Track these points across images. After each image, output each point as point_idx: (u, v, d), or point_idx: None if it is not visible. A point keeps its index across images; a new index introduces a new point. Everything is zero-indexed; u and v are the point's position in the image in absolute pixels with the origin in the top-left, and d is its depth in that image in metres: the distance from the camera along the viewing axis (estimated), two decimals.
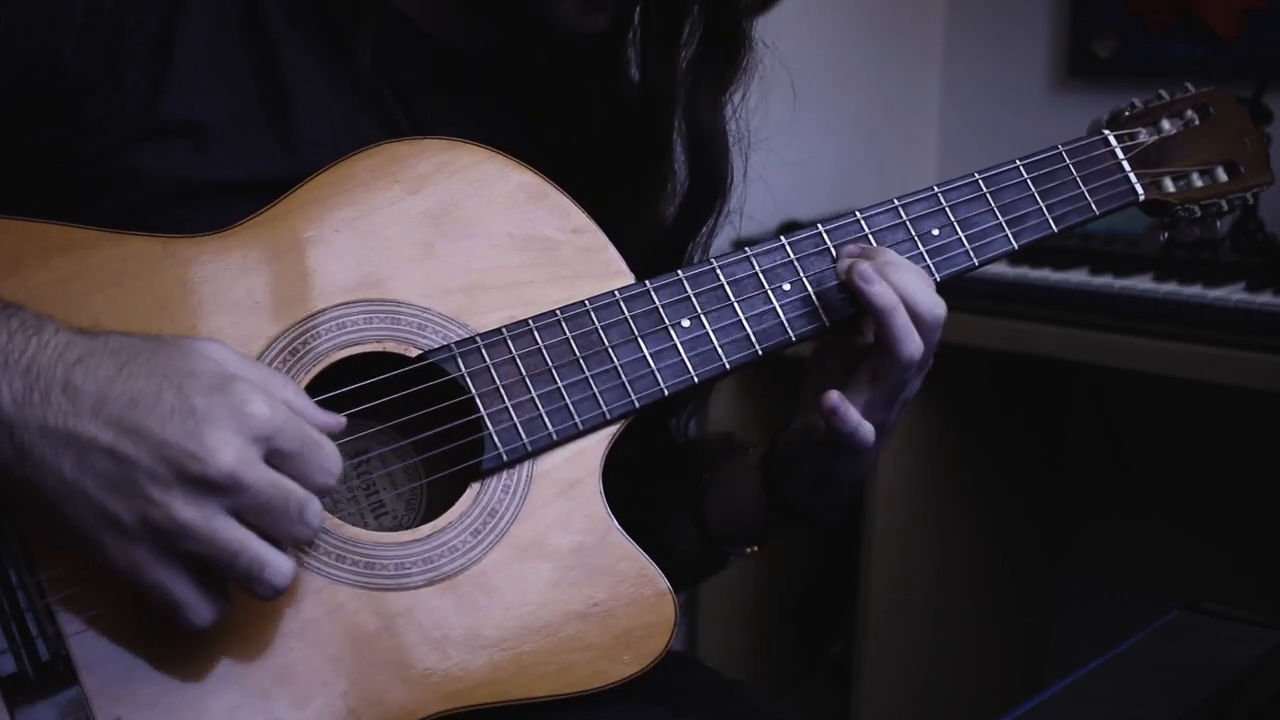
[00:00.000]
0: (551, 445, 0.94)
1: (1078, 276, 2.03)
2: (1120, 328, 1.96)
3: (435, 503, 0.95)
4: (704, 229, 1.10)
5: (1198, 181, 1.16)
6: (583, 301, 0.97)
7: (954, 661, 2.44)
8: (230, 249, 0.91)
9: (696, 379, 0.98)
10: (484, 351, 0.94)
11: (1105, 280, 2.00)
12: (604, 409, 0.95)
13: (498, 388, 0.94)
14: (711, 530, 1.15)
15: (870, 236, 1.04)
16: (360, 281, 0.93)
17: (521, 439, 0.93)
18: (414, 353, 0.93)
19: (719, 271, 1.01)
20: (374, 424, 0.94)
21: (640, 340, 0.97)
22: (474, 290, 0.96)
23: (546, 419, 0.94)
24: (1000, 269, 2.08)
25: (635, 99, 1.06)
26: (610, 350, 0.97)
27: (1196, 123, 1.17)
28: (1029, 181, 1.09)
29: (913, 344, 0.98)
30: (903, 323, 0.97)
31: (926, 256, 1.05)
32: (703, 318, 0.99)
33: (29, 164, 0.93)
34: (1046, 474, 2.60)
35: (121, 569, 0.77)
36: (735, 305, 1.00)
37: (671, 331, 0.98)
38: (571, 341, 0.96)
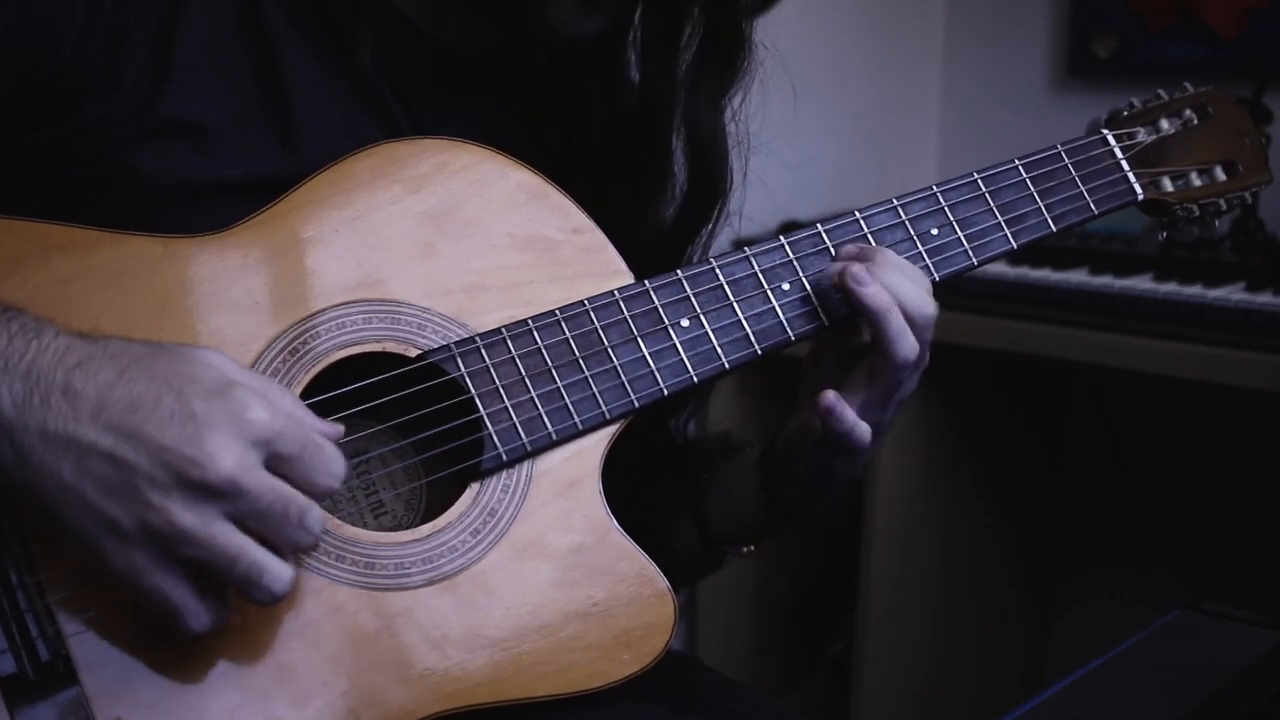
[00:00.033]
0: (551, 445, 0.94)
1: (1078, 276, 2.03)
2: (1120, 328, 1.96)
3: (435, 503, 0.95)
4: (703, 231, 1.10)
5: (1196, 181, 1.16)
6: (582, 301, 0.97)
7: (954, 661, 2.44)
8: (230, 249, 0.91)
9: (696, 379, 0.99)
10: (483, 351, 0.94)
11: (1105, 280, 2.00)
12: (603, 409, 0.95)
13: (497, 388, 0.94)
14: (710, 530, 1.15)
15: (869, 236, 1.04)
16: (360, 281, 0.93)
17: (521, 439, 0.93)
18: (413, 353, 0.93)
19: (718, 271, 1.01)
20: (373, 424, 0.94)
21: (639, 340, 0.98)
22: (474, 290, 0.96)
23: (546, 419, 0.94)
24: (1000, 269, 2.08)
25: (635, 101, 1.06)
26: (609, 350, 0.97)
27: (1195, 122, 1.17)
28: (1028, 181, 1.09)
29: (907, 344, 0.98)
30: (897, 324, 0.97)
31: (925, 256, 1.05)
32: (702, 317, 0.99)
33: (29, 164, 0.93)
34: (1046, 474, 2.61)
35: (120, 574, 0.77)
36: (734, 305, 1.00)
37: (671, 331, 0.98)
38: (571, 341, 0.96)
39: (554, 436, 0.94)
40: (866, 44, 2.62)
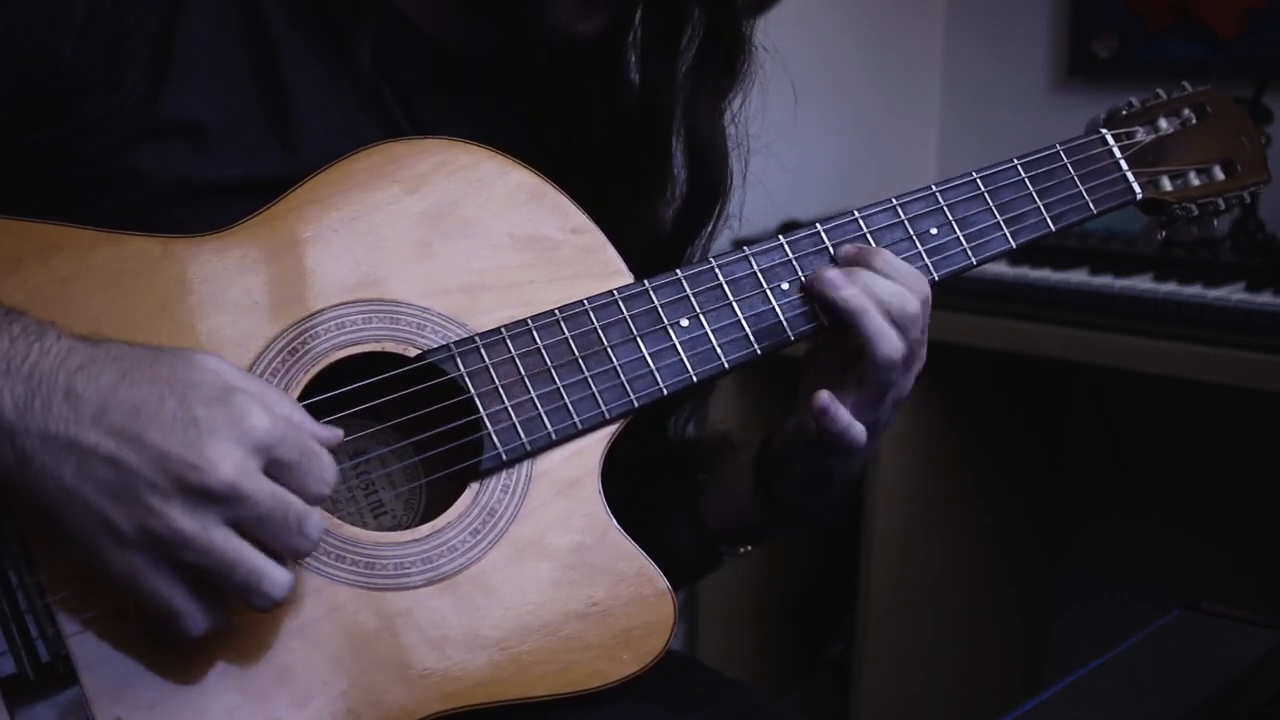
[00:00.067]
0: (550, 445, 0.94)
1: (1078, 276, 2.03)
2: (1120, 328, 1.96)
3: (434, 503, 0.95)
4: (703, 232, 1.10)
5: (1195, 180, 1.16)
6: (581, 301, 0.97)
7: (954, 661, 2.44)
8: (229, 249, 0.91)
9: (695, 378, 0.99)
10: (483, 351, 0.94)
11: (1105, 280, 2.00)
12: (603, 408, 0.95)
13: (497, 387, 0.94)
14: (708, 529, 1.15)
15: (868, 236, 1.04)
16: (359, 281, 0.93)
17: (520, 439, 0.93)
18: (413, 352, 0.93)
19: (718, 271, 1.01)
20: (373, 424, 0.94)
21: (639, 340, 0.98)
22: (473, 290, 0.96)
23: (545, 419, 0.94)
24: (1000, 269, 2.08)
25: (635, 101, 1.06)
26: (609, 350, 0.97)
27: (1194, 121, 1.17)
28: (1027, 181, 1.09)
29: (888, 344, 0.97)
30: (874, 324, 0.97)
31: (925, 256, 1.05)
32: (701, 317, 0.99)
33: (29, 164, 0.93)
34: (1046, 474, 2.60)
35: (119, 577, 0.77)
36: (734, 304, 1.00)
37: (670, 331, 0.98)
38: (570, 341, 0.96)
39: (553, 436, 0.94)
40: (866, 44, 2.62)
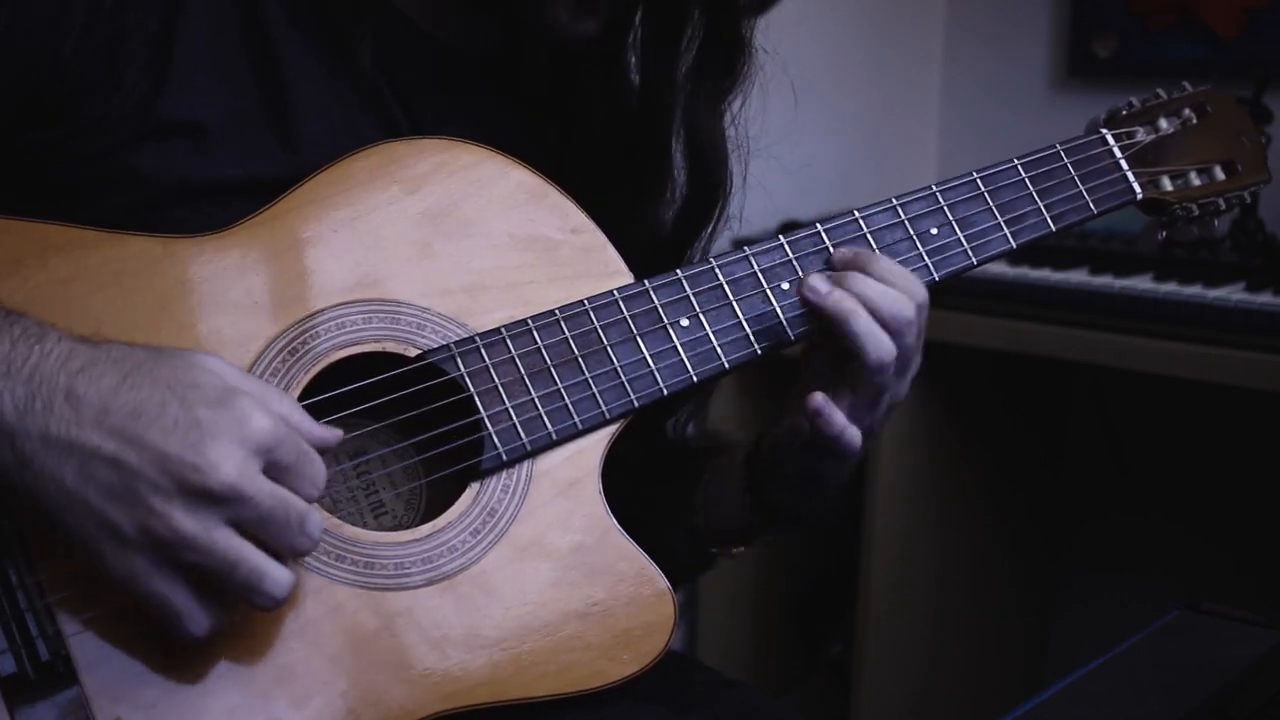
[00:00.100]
0: (551, 445, 0.94)
1: (1078, 276, 2.03)
2: (1120, 328, 1.96)
3: (435, 502, 0.95)
4: (703, 233, 1.10)
5: (1195, 180, 1.16)
6: (581, 301, 0.97)
7: (954, 661, 2.44)
8: (229, 249, 0.91)
9: (695, 378, 0.99)
10: (483, 351, 0.94)
11: (1105, 280, 2.00)
12: (603, 408, 0.95)
13: (497, 387, 0.94)
14: (700, 529, 1.15)
15: (869, 236, 1.04)
16: (359, 281, 0.93)
17: (521, 439, 0.93)
18: (413, 352, 0.93)
19: (718, 271, 1.01)
20: (373, 424, 0.94)
21: (639, 340, 0.98)
22: (473, 290, 0.96)
23: (546, 419, 0.94)
24: (1000, 269, 2.08)
25: (635, 102, 1.06)
26: (609, 350, 0.97)
27: (1194, 121, 1.17)
28: (1027, 181, 1.09)
29: (877, 347, 0.97)
30: (862, 327, 0.96)
31: (925, 256, 1.05)
32: (701, 317, 0.99)
33: (29, 164, 0.93)
34: (1046, 474, 2.60)
35: (120, 578, 0.77)
36: (734, 304, 1.00)
37: (670, 331, 0.98)
38: (570, 341, 0.96)
39: (554, 436, 0.94)
40: (866, 44, 2.62)
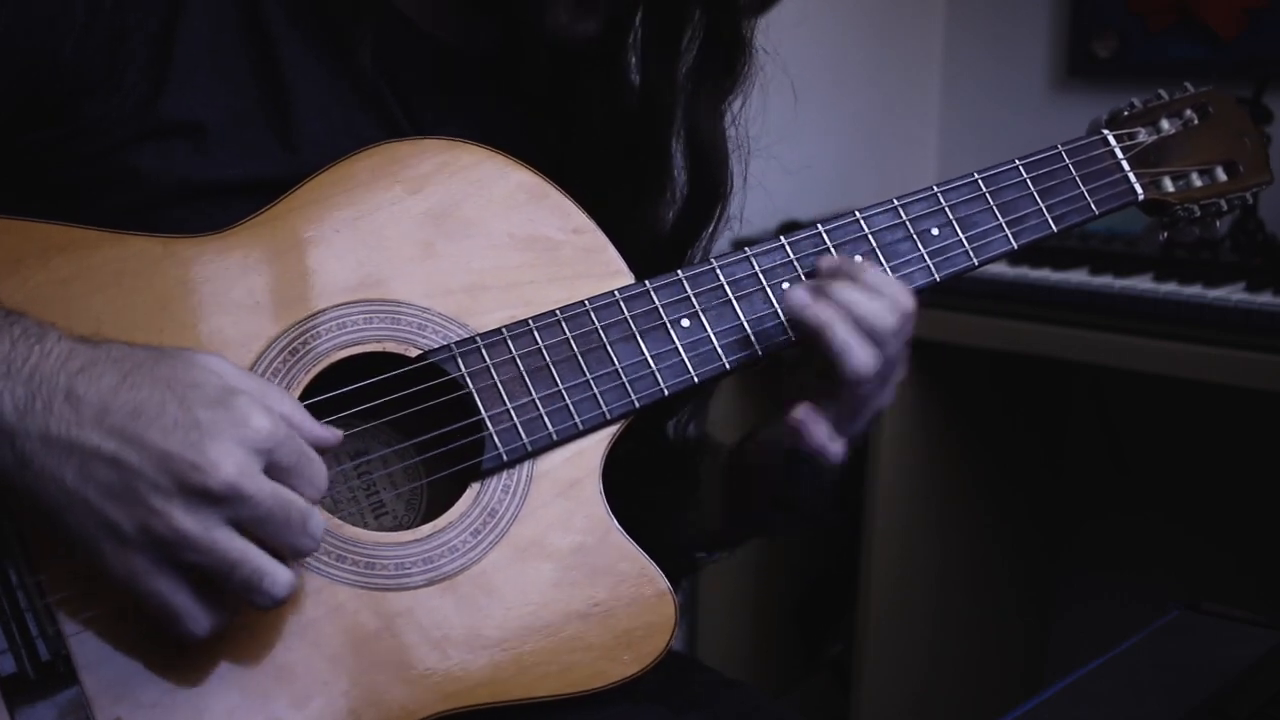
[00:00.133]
0: (551, 445, 0.94)
1: (1078, 276, 2.03)
2: (1120, 328, 1.96)
3: (435, 502, 0.95)
4: (704, 234, 1.10)
5: (1197, 181, 1.16)
6: (582, 301, 0.97)
7: (954, 661, 2.44)
8: (230, 249, 0.91)
9: (696, 379, 0.98)
10: (484, 351, 0.94)
11: (1105, 280, 2.00)
12: (604, 409, 0.95)
13: (498, 387, 0.94)
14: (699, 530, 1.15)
15: (870, 236, 1.04)
16: (361, 281, 0.93)
17: (521, 439, 0.93)
18: (414, 352, 0.93)
19: (719, 271, 1.01)
20: (374, 424, 0.94)
21: (640, 340, 0.98)
22: (474, 290, 0.96)
23: (546, 419, 0.94)
24: (1000, 269, 2.08)
25: (635, 103, 1.06)
26: (610, 350, 0.97)
27: (1196, 122, 1.17)
28: (1028, 181, 1.09)
29: (856, 358, 0.96)
30: (840, 339, 0.95)
31: (926, 256, 1.05)
32: (702, 317, 0.99)
33: (29, 164, 0.93)
34: (1046, 474, 2.61)
35: (120, 578, 0.77)
36: (735, 305, 1.00)
37: (671, 331, 0.98)
38: (571, 341, 0.96)
39: (554, 436, 0.94)
40: (866, 44, 2.62)
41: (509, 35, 1.09)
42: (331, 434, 0.83)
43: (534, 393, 0.94)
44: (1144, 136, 1.15)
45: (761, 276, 1.01)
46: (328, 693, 0.85)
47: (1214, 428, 2.44)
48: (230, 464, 0.76)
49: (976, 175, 1.08)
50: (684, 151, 1.07)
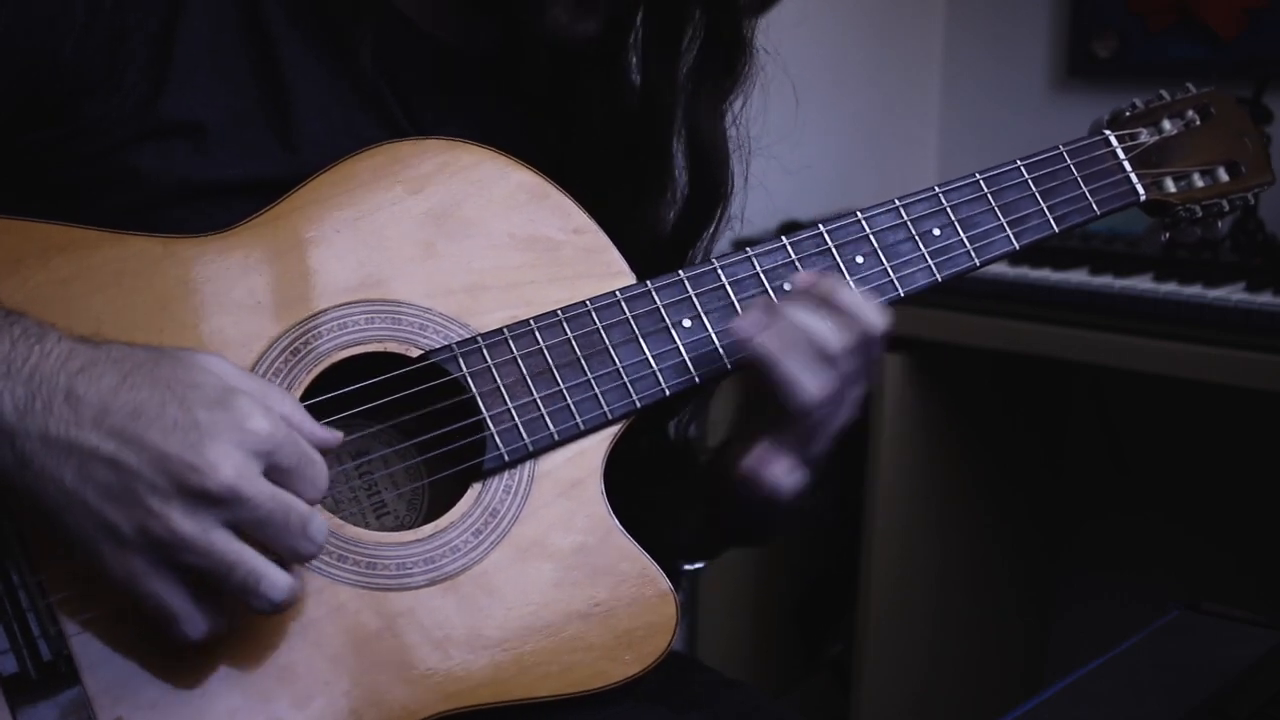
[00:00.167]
0: (553, 445, 0.94)
1: (1078, 276, 2.03)
2: (1120, 328, 1.96)
3: (437, 503, 0.95)
4: (704, 234, 1.10)
5: (1199, 181, 1.16)
6: (584, 301, 0.97)
7: (954, 661, 2.44)
8: (231, 249, 0.91)
9: (698, 379, 0.99)
10: (485, 351, 0.94)
11: (1105, 280, 2.00)
12: (605, 409, 0.95)
13: (499, 388, 0.94)
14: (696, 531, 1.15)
15: (871, 236, 1.04)
16: (362, 282, 0.93)
17: (523, 439, 0.93)
18: (415, 353, 0.93)
19: (720, 271, 1.01)
20: (375, 424, 0.94)
21: (641, 340, 0.98)
22: (475, 290, 0.96)
23: (548, 419, 0.94)
24: (1000, 269, 2.08)
25: (636, 103, 1.06)
26: (611, 350, 0.97)
27: (1197, 123, 1.17)
28: (1030, 182, 1.09)
29: (804, 391, 0.94)
30: (786, 372, 0.94)
31: (928, 256, 1.05)
32: (704, 318, 0.99)
33: (29, 164, 0.93)
34: (1046, 474, 2.61)
35: (118, 578, 0.77)
36: (737, 305, 1.00)
37: (673, 331, 0.98)
38: (573, 341, 0.96)
39: (556, 436, 0.94)
40: (866, 44, 2.62)
41: (509, 35, 1.09)
42: (332, 435, 0.83)
43: (535, 393, 0.94)
44: (1145, 137, 1.15)
45: (763, 277, 1.01)
46: (329, 693, 0.85)
47: (1214, 428, 2.44)
48: (229, 466, 0.76)
49: (978, 175, 1.08)
50: (684, 151, 1.07)
